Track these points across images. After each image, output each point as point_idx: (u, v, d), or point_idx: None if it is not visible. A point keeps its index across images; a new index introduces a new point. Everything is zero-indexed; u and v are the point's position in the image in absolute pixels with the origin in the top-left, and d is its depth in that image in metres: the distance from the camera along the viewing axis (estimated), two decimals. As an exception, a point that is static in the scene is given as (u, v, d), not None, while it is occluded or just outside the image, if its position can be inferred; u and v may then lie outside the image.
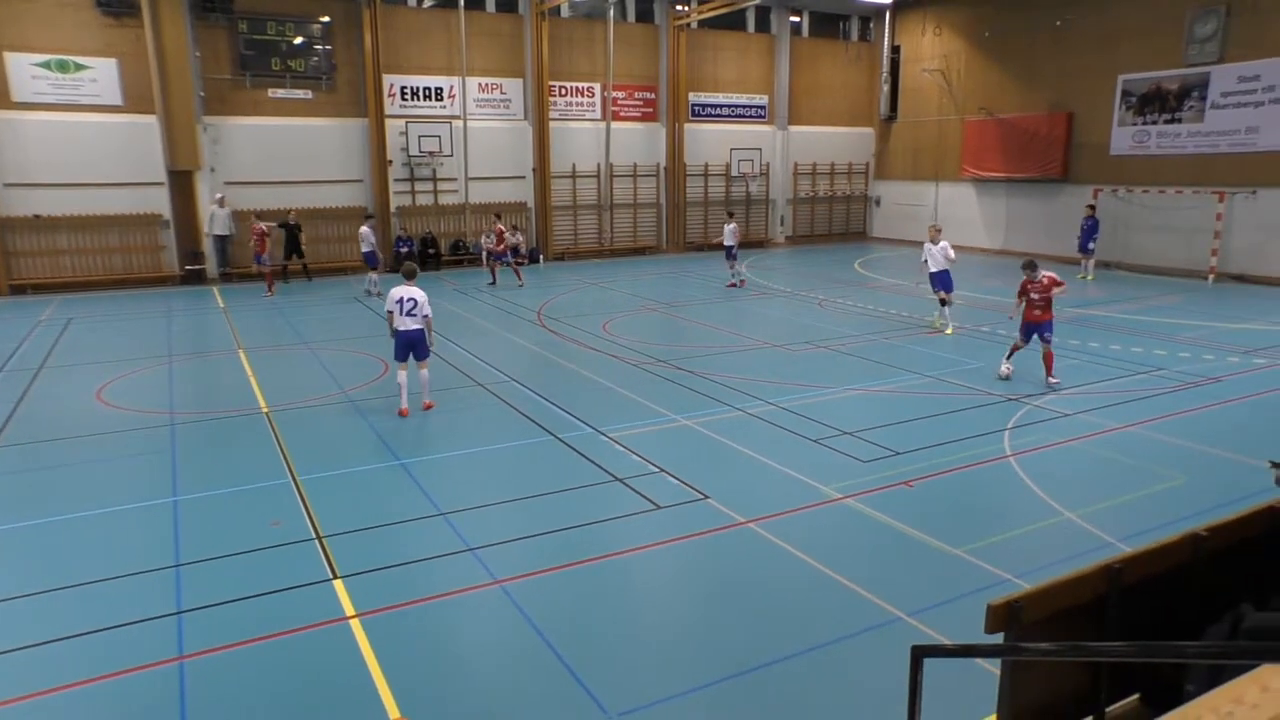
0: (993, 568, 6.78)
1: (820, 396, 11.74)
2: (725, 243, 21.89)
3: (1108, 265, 24.41)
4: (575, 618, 6.19)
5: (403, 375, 10.98)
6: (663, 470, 8.95)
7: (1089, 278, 22.30)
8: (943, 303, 15.85)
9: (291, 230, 22.59)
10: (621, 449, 9.64)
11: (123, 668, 5.55)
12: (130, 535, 7.65)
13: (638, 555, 7.17)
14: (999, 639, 3.29)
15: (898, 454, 9.41)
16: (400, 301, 10.75)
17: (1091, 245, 22.53)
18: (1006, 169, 27.50)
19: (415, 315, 10.76)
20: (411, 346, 10.92)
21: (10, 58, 20.41)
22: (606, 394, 11.99)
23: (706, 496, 8.26)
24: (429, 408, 11.08)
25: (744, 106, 30.79)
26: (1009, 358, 12.60)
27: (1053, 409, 10.95)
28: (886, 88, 31.84)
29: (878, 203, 33.52)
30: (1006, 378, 12.39)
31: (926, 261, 16.07)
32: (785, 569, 6.88)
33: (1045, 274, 12.16)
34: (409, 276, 10.95)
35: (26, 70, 20.55)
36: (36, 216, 21.06)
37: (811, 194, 32.62)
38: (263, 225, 20.92)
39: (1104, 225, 24.33)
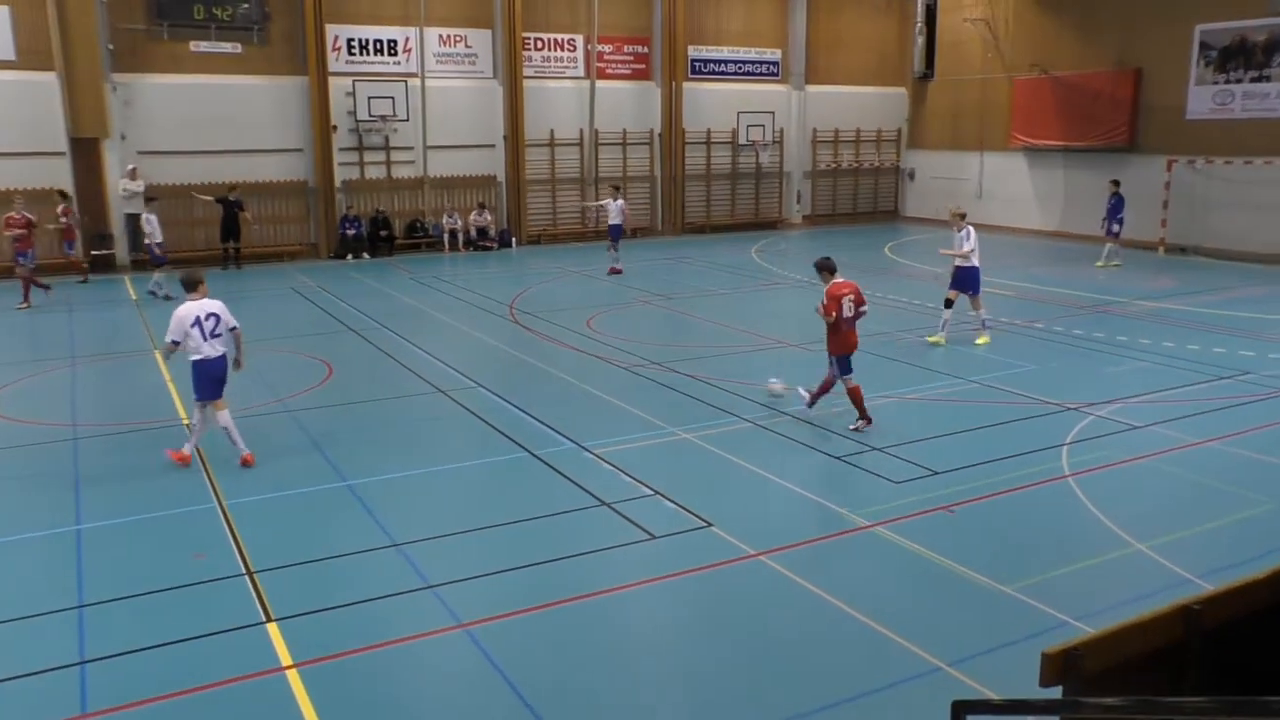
0: (1048, 609, 6.79)
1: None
2: (611, 221, 22.05)
3: (1183, 250, 24.54)
4: (554, 668, 6.17)
5: (206, 415, 9.69)
6: (658, 493, 8.94)
7: (1117, 264, 22.40)
8: (949, 304, 14.97)
9: (231, 208, 22.52)
10: (609, 467, 9.62)
11: (14, 730, 5.52)
12: (24, 570, 7.58)
13: (628, 594, 7.15)
14: (1056, 693, 3.28)
15: (936, 473, 9.41)
16: (199, 322, 9.35)
17: (1116, 228, 22.60)
18: (1064, 136, 27.58)
19: (221, 335, 9.54)
20: (224, 378, 9.66)
21: (-119, 3, 20.34)
22: (591, 402, 11.97)
23: (709, 524, 8.25)
24: (248, 462, 9.67)
25: (753, 63, 30.82)
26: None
27: (1120, 421, 10.98)
28: (921, 40, 31.93)
29: (911, 176, 33.61)
30: (780, 393, 11.57)
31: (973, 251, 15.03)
32: (803, 610, 6.87)
33: (840, 281, 10.86)
34: (194, 286, 9.54)
35: (-99, 18, 20.44)
36: (-87, 191, 20.94)
37: (833, 166, 32.68)
38: (22, 214, 18.70)
39: (1178, 201, 24.52)
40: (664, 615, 7.00)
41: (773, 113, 30.69)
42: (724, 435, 10.61)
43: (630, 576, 7.38)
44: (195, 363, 9.50)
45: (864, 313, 10.95)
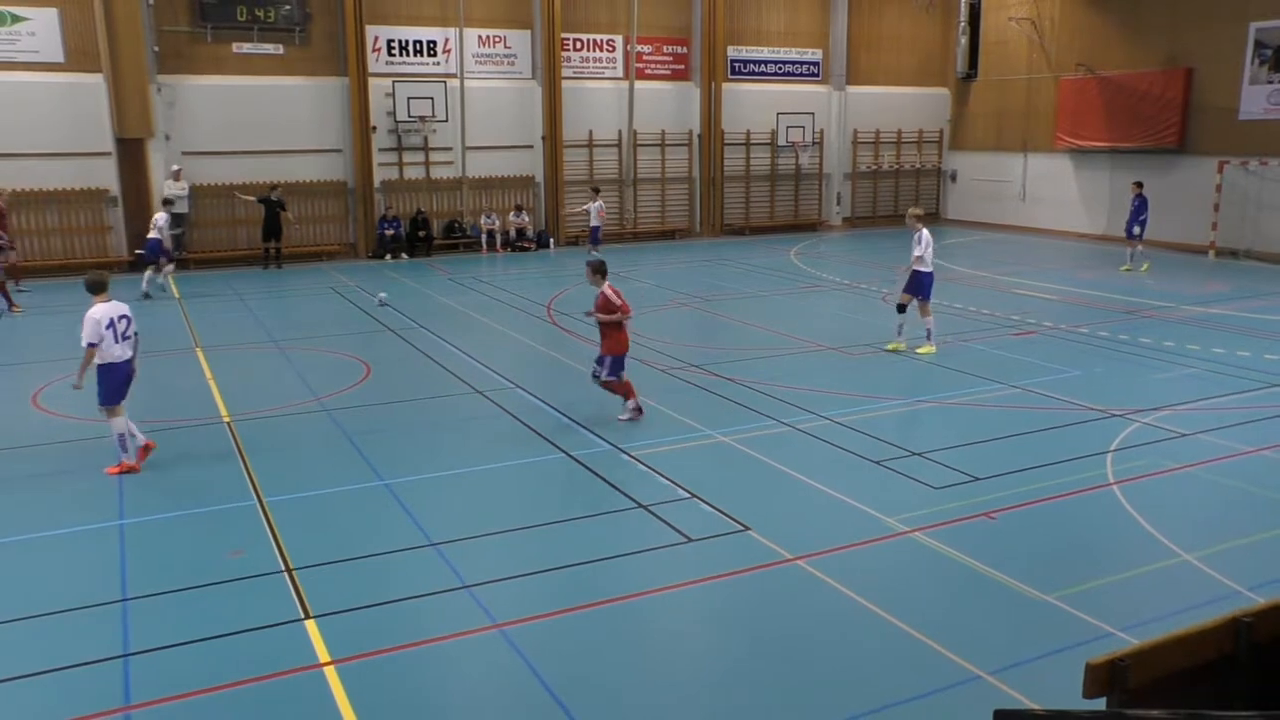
0: (1091, 619, 6.71)
1: (884, 409, 11.68)
2: (592, 223, 21.90)
3: (1234, 253, 24.12)
4: (589, 670, 6.20)
5: (123, 421, 9.63)
6: (695, 495, 8.95)
7: (1143, 268, 22.02)
8: (901, 309, 14.48)
9: (273, 208, 22.84)
10: (646, 469, 9.65)
11: (61, 718, 5.65)
12: (69, 564, 7.76)
13: (664, 597, 7.16)
14: (1100, 704, 3.25)
15: (977, 479, 9.34)
16: (113, 324, 9.40)
17: (1137, 230, 22.16)
18: (1110, 138, 27.23)
19: (130, 338, 9.62)
20: (130, 381, 9.70)
21: (-64, 7, 20.85)
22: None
23: (747, 528, 8.25)
24: (132, 469, 9.64)
25: (794, 63, 30.72)
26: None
27: (1167, 428, 10.82)
28: (965, 40, 31.65)
29: (953, 178, 33.33)
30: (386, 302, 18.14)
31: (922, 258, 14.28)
32: (840, 615, 6.86)
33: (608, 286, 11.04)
34: (101, 288, 9.57)
35: (-45, 22, 20.96)
36: (-36, 191, 21.42)
37: (874, 167, 32.49)
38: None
39: (1230, 204, 24.10)
40: (700, 618, 7.01)
41: (813, 113, 30.55)
42: (761, 438, 10.59)
43: (666, 579, 7.39)
44: (104, 367, 9.43)
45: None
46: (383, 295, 18.65)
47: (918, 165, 33.15)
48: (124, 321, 9.55)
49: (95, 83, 22.11)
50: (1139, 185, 22.47)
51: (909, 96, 32.65)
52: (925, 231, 14.34)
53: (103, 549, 7.96)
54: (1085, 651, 5.27)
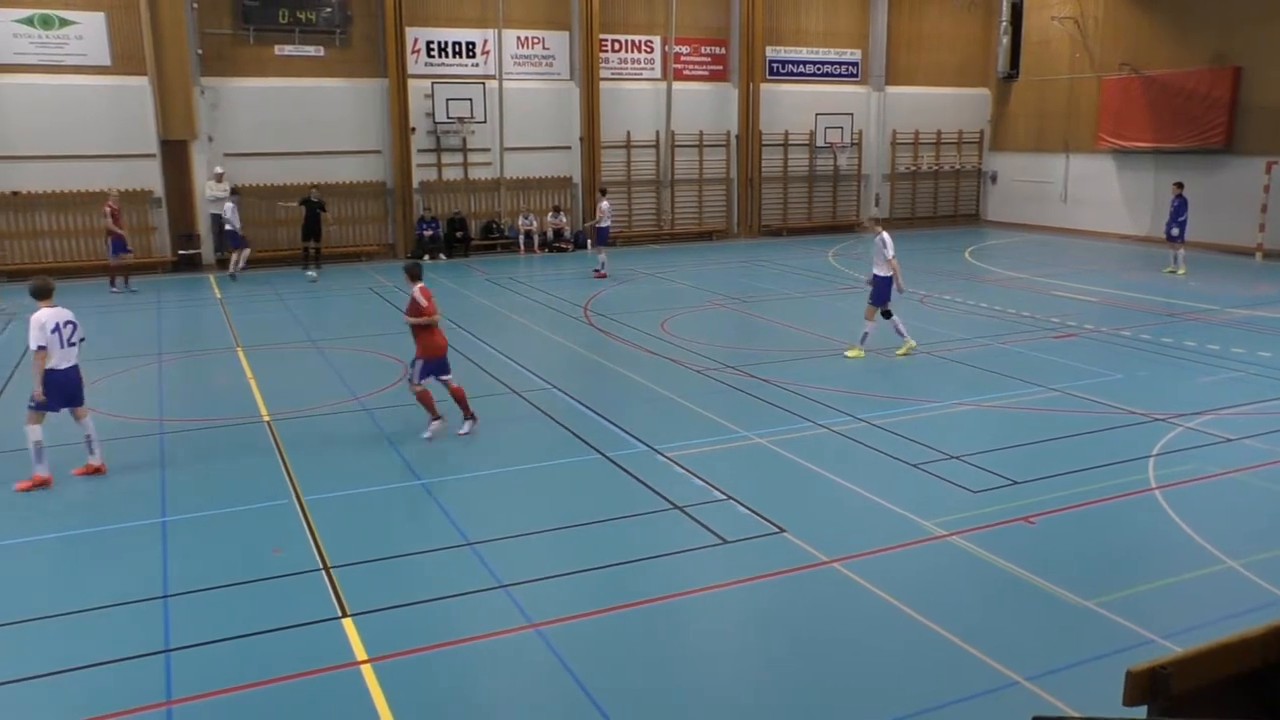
0: (1133, 625, 6.62)
1: (921, 412, 11.60)
2: (602, 224, 22.18)
3: (1282, 256, 23.71)
4: (624, 670, 6.22)
5: (39, 430, 9.37)
6: (730, 497, 8.94)
7: (1180, 271, 21.65)
8: (887, 315, 14.19)
9: (314, 208, 23.14)
10: (681, 471, 9.65)
11: (103, 712, 5.72)
12: (112, 560, 7.89)
13: (699, 598, 7.16)
14: (1141, 712, 3.21)
15: (1016, 483, 9.25)
16: (59, 329, 9.32)
17: (1175, 231, 21.76)
18: (1155, 138, 26.85)
19: (77, 345, 9.55)
20: (79, 386, 9.60)
21: (-10, 13, 21.33)
22: (664, 405, 12.01)
23: (783, 530, 8.22)
24: (98, 471, 9.70)
25: (832, 63, 30.58)
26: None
27: (1211, 433, 10.64)
28: (1006, 40, 31.34)
29: (994, 179, 33.00)
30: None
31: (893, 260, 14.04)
32: (877, 618, 6.82)
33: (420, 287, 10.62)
34: (46, 294, 9.45)
35: (7, 28, 21.40)
36: (15, 193, 21.90)
37: (913, 168, 32.25)
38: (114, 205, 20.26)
39: (1279, 205, 23.60)
40: (735, 620, 7.01)
41: (851, 114, 30.41)
42: (797, 440, 10.56)
43: (701, 581, 7.39)
44: (47, 372, 9.31)
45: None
46: (311, 274, 21.62)
47: (957, 166, 32.87)
48: (70, 327, 9.50)
49: (140, 85, 22.53)
50: (1179, 186, 22.16)
51: (949, 97, 32.39)
52: (886, 234, 14.22)
53: (145, 545, 8.09)
54: (1126, 658, 5.20)
